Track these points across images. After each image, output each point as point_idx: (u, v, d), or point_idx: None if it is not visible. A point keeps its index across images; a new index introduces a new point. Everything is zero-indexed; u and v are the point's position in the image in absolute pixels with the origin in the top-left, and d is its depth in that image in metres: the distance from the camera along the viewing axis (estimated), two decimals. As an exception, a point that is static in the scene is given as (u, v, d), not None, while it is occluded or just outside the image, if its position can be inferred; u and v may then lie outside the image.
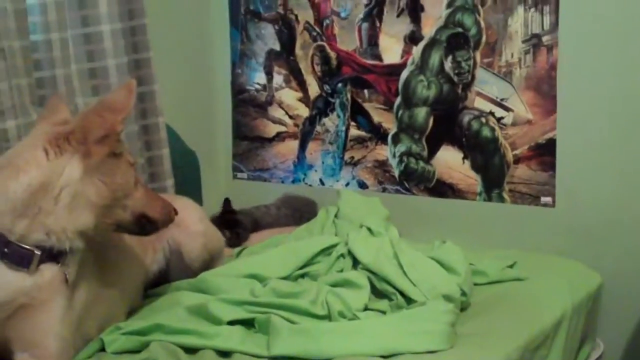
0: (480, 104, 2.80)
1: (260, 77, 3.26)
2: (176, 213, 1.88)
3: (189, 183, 2.92)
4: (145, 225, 1.78)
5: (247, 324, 1.83)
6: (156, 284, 2.17)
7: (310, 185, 3.13)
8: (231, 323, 1.82)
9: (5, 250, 1.58)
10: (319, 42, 3.10)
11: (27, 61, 2.41)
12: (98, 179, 1.63)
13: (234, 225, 2.77)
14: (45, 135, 1.65)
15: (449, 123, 2.86)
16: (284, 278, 2.08)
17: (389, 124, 2.98)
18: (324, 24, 3.09)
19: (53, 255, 1.62)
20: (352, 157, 3.09)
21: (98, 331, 1.81)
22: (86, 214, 1.62)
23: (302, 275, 2.14)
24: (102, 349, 1.76)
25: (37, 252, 1.60)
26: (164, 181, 2.78)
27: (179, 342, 1.73)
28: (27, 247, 1.59)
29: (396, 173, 2.98)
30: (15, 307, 1.59)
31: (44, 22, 2.48)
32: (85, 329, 1.77)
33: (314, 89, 3.15)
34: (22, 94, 2.38)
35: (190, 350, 1.73)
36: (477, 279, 2.22)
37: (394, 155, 2.98)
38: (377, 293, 2.04)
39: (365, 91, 3.04)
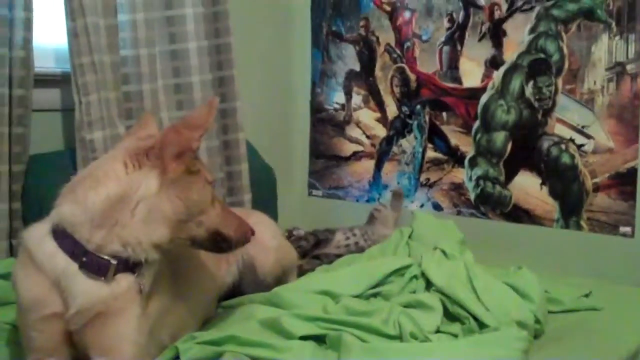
0: (561, 130, 2.76)
1: (339, 97, 3.28)
2: (253, 234, 1.86)
3: (265, 198, 2.95)
4: (220, 243, 1.77)
5: (319, 340, 1.83)
6: (230, 296, 2.19)
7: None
8: (303, 338, 1.82)
9: (84, 259, 1.61)
10: (399, 64, 3.11)
11: (116, 75, 2.47)
12: (174, 194, 1.64)
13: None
14: (127, 149, 1.68)
15: (527, 148, 2.83)
16: (357, 296, 2.07)
17: (467, 147, 2.96)
18: (405, 46, 3.09)
19: (129, 265, 1.64)
20: (428, 179, 3.07)
21: (172, 340, 1.82)
22: (161, 228, 1.64)
23: (375, 295, 2.13)
24: (177, 357, 1.77)
25: (114, 262, 1.62)
26: (242, 195, 2.82)
27: (252, 354, 1.73)
28: (104, 256, 1.62)
29: (472, 196, 2.96)
30: (92, 314, 1.62)
31: (134, 38, 2.54)
32: (159, 337, 1.79)
33: (392, 110, 3.15)
34: (110, 107, 2.45)
35: (262, 363, 1.73)
36: (552, 306, 2.18)
37: (470, 179, 2.96)
38: (449, 316, 2.01)
39: (444, 114, 3.02)
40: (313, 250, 2.71)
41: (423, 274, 2.15)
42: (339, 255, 2.56)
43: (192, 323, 1.95)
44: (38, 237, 1.65)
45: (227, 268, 2.17)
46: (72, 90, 2.38)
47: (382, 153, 3.19)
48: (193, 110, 1.88)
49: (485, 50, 2.89)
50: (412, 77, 3.08)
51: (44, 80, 2.45)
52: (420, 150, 3.09)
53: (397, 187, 3.09)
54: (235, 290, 2.21)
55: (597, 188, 2.70)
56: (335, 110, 3.29)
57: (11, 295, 1.73)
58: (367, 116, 3.22)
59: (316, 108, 3.34)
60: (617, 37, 2.63)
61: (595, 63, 2.67)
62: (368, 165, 3.22)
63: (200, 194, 1.70)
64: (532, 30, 2.77)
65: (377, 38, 3.15)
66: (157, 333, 1.77)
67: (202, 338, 1.80)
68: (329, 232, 2.77)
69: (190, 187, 1.67)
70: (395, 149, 3.16)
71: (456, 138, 3.00)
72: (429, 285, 2.12)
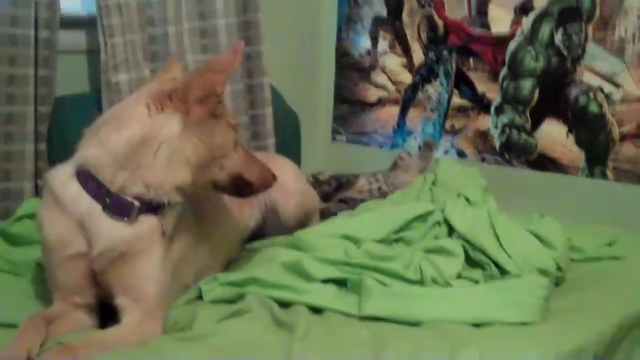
0: (589, 78, 2.73)
1: (365, 42, 3.25)
2: (275, 179, 1.86)
3: (289, 143, 2.96)
4: (242, 187, 1.77)
5: (340, 283, 1.84)
6: (253, 239, 2.21)
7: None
8: (324, 281, 1.84)
9: (107, 200, 1.62)
10: (427, 9, 3.07)
11: (141, 17, 2.47)
12: (197, 137, 1.64)
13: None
14: (150, 91, 1.68)
15: (555, 96, 2.79)
16: (378, 241, 2.07)
17: (493, 95, 2.94)
18: (433, -9, 3.06)
19: (152, 207, 1.65)
20: (453, 126, 3.06)
21: (195, 281, 1.85)
22: (184, 170, 1.64)
23: (397, 240, 2.13)
24: (200, 297, 1.81)
25: (137, 204, 1.63)
26: (265, 140, 2.82)
27: (273, 296, 1.75)
28: (127, 198, 1.62)
29: (497, 144, 2.94)
30: (116, 254, 1.63)
31: (159, -20, 2.53)
32: (183, 278, 1.81)
33: (418, 56, 3.12)
34: (136, 49, 2.45)
35: (284, 304, 1.75)
36: (574, 254, 2.17)
37: (495, 126, 2.94)
38: (471, 262, 2.02)
39: (471, 60, 2.99)
40: (336, 193, 2.71)
41: (446, 220, 2.15)
42: (362, 201, 2.56)
43: (215, 265, 1.97)
44: (62, 178, 1.66)
45: (250, 211, 2.18)
46: (98, 32, 2.38)
47: (408, 99, 3.17)
48: (218, 55, 1.87)
49: (515, -4, 2.85)
50: (440, 22, 3.05)
51: (70, 22, 2.45)
52: (446, 96, 3.06)
53: (430, 138, 3.07)
54: (259, 233, 2.23)
55: (623, 137, 2.67)
56: (361, 55, 3.27)
57: (37, 234, 1.75)
58: (393, 62, 3.19)
59: (342, 53, 3.31)
60: (650, -16, 2.58)
61: (627, 11, 2.62)
62: (393, 111, 3.21)
63: (223, 138, 1.70)
64: (563, -24, 2.73)
65: (405, -18, 3.12)
66: (180, 274, 1.79)
67: (224, 279, 1.82)
68: (352, 176, 2.77)
69: (213, 130, 1.67)
70: (420, 95, 3.14)
71: (483, 85, 2.97)
72: (451, 231, 2.12)
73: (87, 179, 1.63)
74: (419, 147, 3.05)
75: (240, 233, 2.15)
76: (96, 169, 1.62)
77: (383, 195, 2.64)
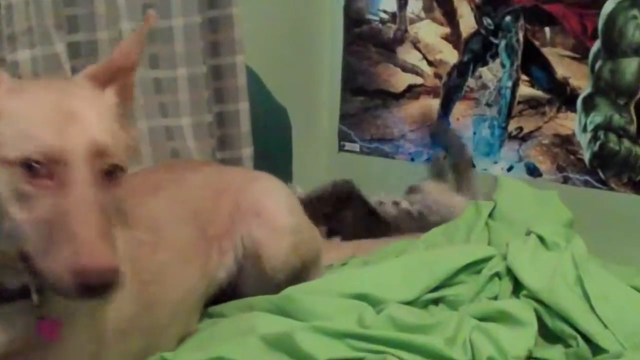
0: None
1: (387, 3, 3.27)
2: (113, 274, 1.68)
3: (276, 154, 2.96)
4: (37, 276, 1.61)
5: (352, 367, 1.84)
6: (221, 299, 2.21)
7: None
8: (328, 364, 1.84)
9: None
10: (480, -46, 3.11)
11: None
12: None
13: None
14: None
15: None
16: (409, 303, 2.07)
17: (580, 81, 2.95)
18: None
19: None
20: (520, 129, 3.07)
21: None
22: None
23: (436, 301, 2.14)
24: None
25: None
26: (239, 149, 2.83)
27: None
28: None
29: (586, 156, 2.96)
30: None
31: None
32: None
33: (467, 23, 3.15)
34: (43, 14, 2.45)
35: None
36: None
37: (584, 129, 2.95)
38: (547, 334, 2.02)
39: (547, 30, 3.01)
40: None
41: (509, 272, 2.16)
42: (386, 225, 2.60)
43: (165, 341, 1.98)
44: None
45: (218, 257, 2.19)
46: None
47: (452, 88, 3.18)
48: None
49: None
50: (500, -28, 3.08)
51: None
52: (510, 84, 3.08)
53: (444, 155, 3.09)
54: (230, 290, 2.23)
55: None
56: (382, 22, 3.28)
57: None
58: (429, 32, 3.22)
59: (353, 19, 3.33)
60: None
61: None
62: (430, 106, 3.23)
63: None
64: None
65: None
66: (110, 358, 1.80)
67: None
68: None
69: None
70: (471, 82, 3.15)
71: (564, 67, 2.98)
72: (517, 288, 2.13)
73: None
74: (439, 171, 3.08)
75: (203, 290, 2.15)
76: None
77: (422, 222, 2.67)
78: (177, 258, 2.05)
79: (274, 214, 2.19)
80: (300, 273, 2.27)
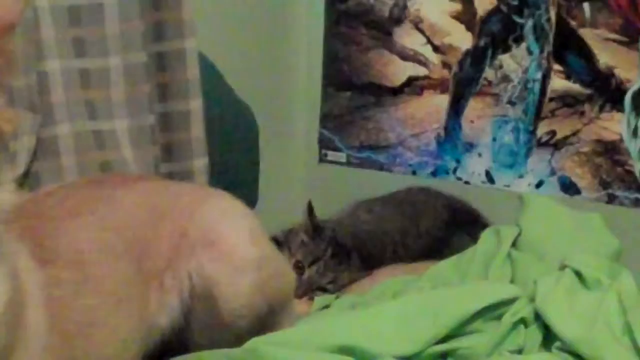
0: None
1: (381, -29, 3.29)
2: None
3: (239, 166, 2.98)
4: None
5: None
6: (164, 353, 2.20)
7: (466, 183, 3.12)
8: None
9: None
10: None
11: None
12: None
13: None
14: None
15: None
16: (408, 359, 2.07)
17: (629, 72, 2.97)
18: None
19: None
20: (553, 133, 3.08)
21: None
22: None
23: (444, 356, 2.13)
24: None
25: None
26: (190, 160, 2.85)
27: None
28: None
29: (637, 167, 2.97)
30: None
31: None
32: None
33: (484, -2, 3.16)
34: None
35: None
36: None
37: (634, 133, 2.96)
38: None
39: (586, 6, 3.02)
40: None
41: (538, 317, 2.16)
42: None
43: None
44: None
45: (159, 296, 2.18)
46: None
47: (464, 81, 3.20)
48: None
49: None
50: None
51: None
52: (539, 76, 3.09)
53: None
54: (176, 341, 2.21)
55: None
56: (375, -4, 3.30)
57: None
58: (435, 9, 3.23)
59: (337, -8, 3.35)
60: None
61: None
62: (436, 103, 3.24)
63: None
64: None
65: None
66: None
67: None
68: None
69: None
70: (489, 73, 3.17)
71: (609, 54, 3.00)
72: (549, 338, 2.13)
73: None
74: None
75: (139, 343, 2.13)
76: None
77: None
78: (107, 302, 2.03)
79: (232, 244, 2.19)
80: (267, 319, 2.26)
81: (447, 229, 3.05)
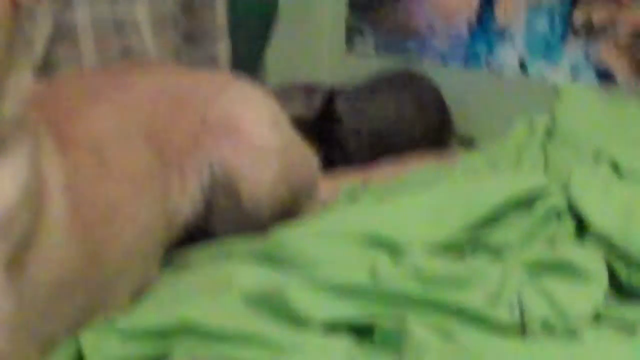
0: None
1: None
2: None
3: (259, 53, 2.96)
4: None
5: (361, 332, 1.83)
6: (188, 241, 2.22)
7: (498, 72, 3.11)
8: (329, 328, 1.83)
9: None
10: None
11: None
12: None
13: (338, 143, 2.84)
14: None
15: None
16: (438, 246, 2.06)
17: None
18: None
19: None
20: (589, 20, 3.04)
21: (71, 329, 1.87)
22: None
23: (474, 246, 2.12)
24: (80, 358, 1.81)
25: None
26: (213, 45, 2.84)
27: (227, 357, 1.74)
28: None
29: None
30: None
31: None
32: (46, 328, 1.83)
33: None
34: None
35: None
36: None
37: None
38: (622, 291, 2.01)
39: None
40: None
41: (572, 208, 2.15)
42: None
43: (113, 295, 2.00)
44: None
45: (181, 186, 2.20)
46: None
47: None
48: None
49: None
50: None
51: None
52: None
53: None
54: (199, 230, 2.25)
55: None
56: None
57: None
58: None
59: None
60: None
61: None
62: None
63: None
64: None
65: None
66: (41, 321, 1.81)
67: (128, 325, 1.81)
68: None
69: None
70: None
71: None
72: (582, 229, 2.12)
73: None
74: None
75: (161, 230, 2.16)
76: None
77: None
78: (128, 188, 2.06)
79: (253, 131, 2.20)
80: (290, 207, 2.29)
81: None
